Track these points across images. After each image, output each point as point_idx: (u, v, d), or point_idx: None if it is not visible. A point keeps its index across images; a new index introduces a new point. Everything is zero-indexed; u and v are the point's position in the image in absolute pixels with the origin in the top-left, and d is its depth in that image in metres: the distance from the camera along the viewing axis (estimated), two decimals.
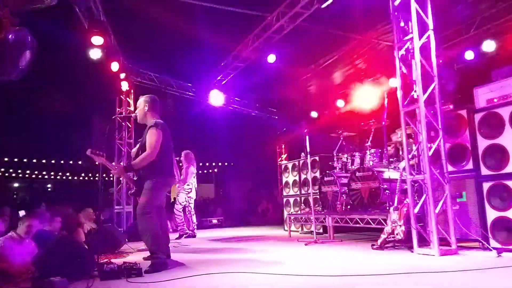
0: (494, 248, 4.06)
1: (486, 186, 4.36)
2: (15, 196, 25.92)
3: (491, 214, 4.28)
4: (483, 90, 4.60)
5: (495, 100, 4.45)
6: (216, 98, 10.36)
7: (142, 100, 4.53)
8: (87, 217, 6.64)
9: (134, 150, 4.71)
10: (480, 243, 4.31)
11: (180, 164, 7.96)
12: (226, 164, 24.37)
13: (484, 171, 4.39)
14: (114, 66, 8.00)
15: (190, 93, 10.69)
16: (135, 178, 4.35)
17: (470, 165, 4.54)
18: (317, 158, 7.83)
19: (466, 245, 4.49)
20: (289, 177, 8.70)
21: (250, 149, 22.56)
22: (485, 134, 4.41)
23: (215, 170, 23.99)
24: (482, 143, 4.42)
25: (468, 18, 7.51)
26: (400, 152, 6.08)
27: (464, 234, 4.43)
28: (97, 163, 4.16)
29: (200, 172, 25.41)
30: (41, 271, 3.41)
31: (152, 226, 4.05)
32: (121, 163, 8.31)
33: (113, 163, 4.68)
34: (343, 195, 6.55)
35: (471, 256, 4.06)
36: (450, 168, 4.57)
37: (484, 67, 7.92)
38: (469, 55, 8.10)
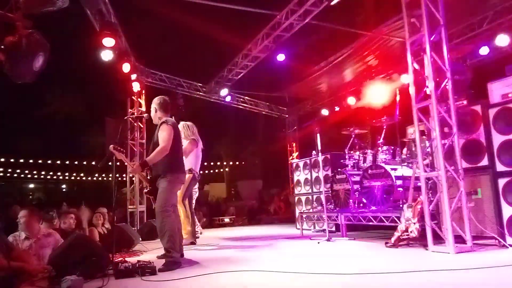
0: (511, 245, 3.99)
1: (501, 182, 4.28)
2: (30, 197, 26.35)
3: (507, 211, 4.21)
4: (498, 85, 4.52)
5: (510, 95, 4.38)
6: (226, 97, 10.39)
7: (152, 102, 4.62)
8: (100, 218, 6.67)
9: None
10: (496, 240, 4.23)
11: None
12: (237, 163, 24.42)
13: (500, 167, 4.32)
14: (126, 67, 8.07)
15: (200, 93, 10.74)
16: (149, 177, 4.39)
17: (485, 161, 4.47)
18: (328, 156, 7.78)
19: (482, 242, 4.41)
20: (301, 176, 8.67)
21: (261, 147, 22.61)
22: (500, 130, 4.33)
23: (226, 169, 24.06)
24: (497, 139, 4.35)
25: (480, 13, 7.39)
26: (413, 149, 6.02)
27: (479, 231, 4.37)
28: (110, 163, 4.22)
29: (211, 171, 25.52)
30: (57, 269, 3.47)
31: (170, 224, 4.10)
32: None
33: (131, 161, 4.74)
34: (356, 193, 6.50)
35: (487, 253, 4.00)
36: (465, 165, 4.50)
37: (498, 62, 7.80)
38: (482, 50, 7.97)
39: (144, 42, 8.65)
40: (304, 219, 7.67)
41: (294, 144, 12.70)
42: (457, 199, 4.27)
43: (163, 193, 4.15)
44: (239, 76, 9.69)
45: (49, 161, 23.15)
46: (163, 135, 4.20)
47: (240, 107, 11.86)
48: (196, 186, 7.11)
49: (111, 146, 4.13)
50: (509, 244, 4.04)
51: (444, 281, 2.90)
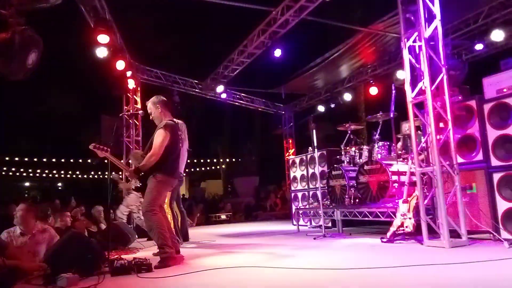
0: (505, 239, 4.02)
1: (496, 177, 4.30)
2: (26, 195, 26.22)
3: (502, 205, 4.23)
4: (492, 80, 4.53)
5: (505, 90, 4.38)
6: (222, 94, 10.38)
7: (151, 104, 4.54)
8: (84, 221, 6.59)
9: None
10: (491, 235, 4.26)
11: None
12: (233, 159, 24.42)
13: (494, 161, 4.33)
14: (121, 64, 8.02)
15: (196, 90, 10.71)
16: (141, 174, 4.38)
17: (480, 156, 4.49)
18: (324, 152, 7.80)
19: (476, 237, 4.45)
20: (297, 172, 8.68)
21: (258, 144, 22.63)
22: (494, 125, 4.35)
23: (223, 166, 24.05)
24: (492, 134, 4.36)
25: (475, 8, 7.40)
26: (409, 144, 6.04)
27: (474, 225, 4.39)
28: (106, 160, 4.21)
29: (208, 168, 25.50)
30: (53, 267, 3.45)
31: (158, 222, 4.11)
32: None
33: (122, 161, 4.74)
34: (352, 189, 6.52)
35: (481, 247, 4.03)
36: (460, 160, 4.52)
37: (493, 57, 7.83)
38: (477, 45, 7.99)
39: (140, 39, 8.61)
40: (301, 215, 7.69)
41: (290, 141, 12.71)
42: (452, 194, 4.30)
43: (150, 194, 4.16)
44: (235, 73, 9.66)
45: (44, 159, 23.04)
46: (156, 142, 4.21)
47: (236, 103, 11.84)
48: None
49: (92, 145, 4.10)
50: (503, 239, 4.06)
51: (439, 276, 2.92)
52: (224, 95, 10.64)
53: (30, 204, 4.37)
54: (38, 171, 25.03)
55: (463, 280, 2.75)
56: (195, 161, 22.83)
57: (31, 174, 25.25)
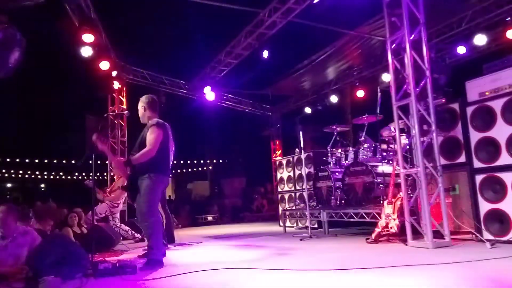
0: (487, 240, 4.09)
1: (478, 178, 4.39)
2: (8, 196, 25.67)
3: (484, 206, 4.31)
4: (475, 83, 4.62)
5: (487, 93, 4.47)
6: (209, 95, 10.34)
7: (140, 101, 4.57)
8: (75, 218, 6.49)
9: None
10: (474, 235, 4.34)
11: None
12: (220, 161, 24.33)
13: (477, 163, 4.42)
14: (106, 64, 7.92)
15: (183, 90, 10.65)
16: (129, 173, 4.34)
17: (462, 158, 4.57)
18: (311, 153, 7.84)
19: (459, 237, 4.52)
20: (284, 173, 8.70)
21: (245, 145, 22.56)
22: (477, 127, 4.44)
23: (210, 167, 23.95)
24: (475, 136, 4.45)
25: (459, 12, 7.54)
26: (393, 146, 6.10)
27: (457, 226, 4.47)
28: (90, 161, 4.17)
29: (194, 169, 25.36)
30: (35, 270, 3.38)
31: (156, 225, 4.09)
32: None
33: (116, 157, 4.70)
34: (338, 190, 6.56)
35: (464, 248, 4.09)
36: (443, 161, 4.59)
37: (476, 61, 7.99)
38: (460, 49, 8.14)
39: (125, 38, 8.52)
40: (287, 217, 7.70)
41: (277, 142, 12.74)
42: (436, 195, 4.36)
43: (147, 195, 4.11)
44: (222, 74, 9.64)
45: (27, 160, 22.60)
46: (150, 138, 4.16)
47: (223, 104, 11.81)
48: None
49: (95, 134, 4.09)
50: (485, 239, 4.14)
51: (422, 276, 2.95)
52: (211, 96, 10.61)
53: (10, 205, 4.26)
54: (21, 171, 24.56)
55: (445, 280, 2.79)
56: (181, 162, 22.68)
57: (13, 175, 24.75)
